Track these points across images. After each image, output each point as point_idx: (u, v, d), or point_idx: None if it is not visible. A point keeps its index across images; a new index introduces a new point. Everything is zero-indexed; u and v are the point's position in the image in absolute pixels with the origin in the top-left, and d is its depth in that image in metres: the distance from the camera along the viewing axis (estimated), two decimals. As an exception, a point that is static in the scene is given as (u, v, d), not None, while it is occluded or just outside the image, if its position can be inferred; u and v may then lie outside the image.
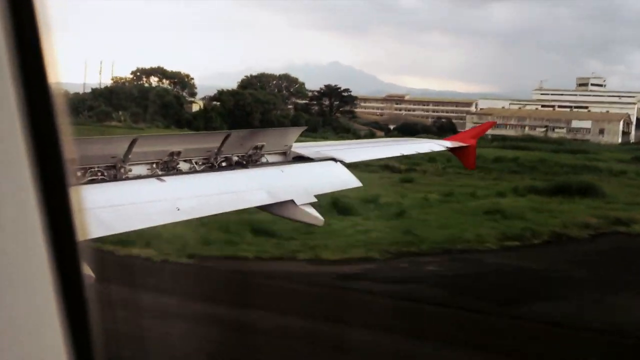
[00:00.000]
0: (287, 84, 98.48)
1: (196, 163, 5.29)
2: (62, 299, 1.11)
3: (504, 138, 75.27)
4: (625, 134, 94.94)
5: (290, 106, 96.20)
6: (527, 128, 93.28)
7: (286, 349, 12.31)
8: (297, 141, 6.56)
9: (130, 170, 4.63)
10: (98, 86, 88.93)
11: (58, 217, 1.10)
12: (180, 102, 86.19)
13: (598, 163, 50.78)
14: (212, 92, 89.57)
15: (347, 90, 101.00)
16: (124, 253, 16.81)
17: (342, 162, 6.53)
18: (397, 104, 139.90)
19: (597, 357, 12.75)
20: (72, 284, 1.13)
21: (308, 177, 6.08)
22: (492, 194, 32.56)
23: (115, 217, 4.01)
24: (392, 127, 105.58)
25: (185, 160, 5.17)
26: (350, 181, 6.42)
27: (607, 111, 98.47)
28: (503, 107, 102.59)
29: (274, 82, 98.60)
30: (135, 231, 4.13)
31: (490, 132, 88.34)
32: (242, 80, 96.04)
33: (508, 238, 21.75)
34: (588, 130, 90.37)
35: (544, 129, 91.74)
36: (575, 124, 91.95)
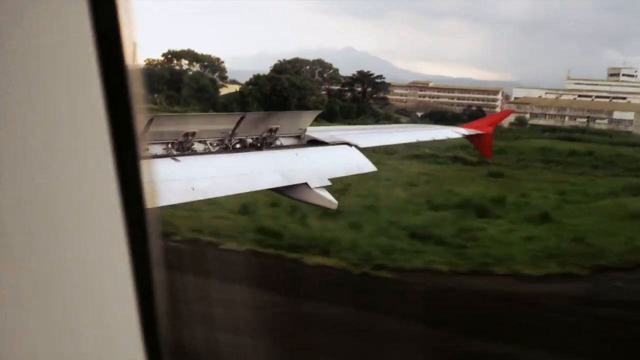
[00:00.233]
0: (321, 69, 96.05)
1: (211, 144, 5.31)
2: (132, 256, 1.24)
3: (553, 129, 73.33)
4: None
5: (323, 92, 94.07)
6: (566, 118, 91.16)
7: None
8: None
9: (146, 150, 4.52)
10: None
11: (130, 187, 1.22)
12: (215, 86, 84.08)
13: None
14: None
15: (380, 76, 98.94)
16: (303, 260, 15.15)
17: (356, 146, 6.47)
18: (421, 90, 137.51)
19: None
20: (141, 246, 1.25)
21: (322, 160, 6.05)
22: (605, 192, 30.77)
23: None
24: (419, 114, 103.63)
25: (199, 141, 5.18)
26: (364, 166, 6.35)
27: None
28: (540, 97, 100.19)
29: (307, 67, 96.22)
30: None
31: (531, 122, 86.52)
32: (275, 65, 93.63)
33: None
34: (630, 121, 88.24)
35: (584, 120, 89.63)
36: (617, 115, 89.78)
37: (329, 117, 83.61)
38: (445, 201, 24.32)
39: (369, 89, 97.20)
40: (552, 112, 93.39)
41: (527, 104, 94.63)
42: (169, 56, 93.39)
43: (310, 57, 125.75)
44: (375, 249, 16.24)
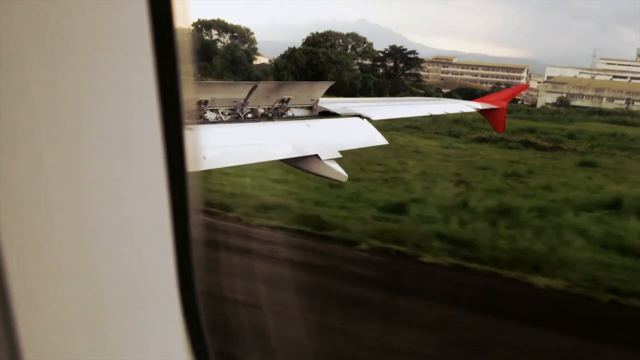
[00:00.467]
0: (355, 43, 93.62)
1: (222, 113, 5.29)
2: (173, 219, 1.26)
3: (600, 111, 71.83)
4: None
5: (356, 67, 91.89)
6: (604, 100, 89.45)
7: None
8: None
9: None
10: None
11: (175, 152, 1.26)
12: (250, 58, 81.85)
13: None
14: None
15: (413, 52, 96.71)
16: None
17: (368, 119, 6.42)
18: (444, 67, 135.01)
19: None
20: (181, 210, 1.28)
21: (334, 132, 6.05)
22: None
23: None
24: (445, 91, 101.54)
25: (211, 110, 5.17)
26: (375, 138, 6.28)
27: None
28: (575, 77, 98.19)
29: (341, 40, 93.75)
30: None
31: (572, 103, 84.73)
32: (308, 38, 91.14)
33: None
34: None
35: (624, 102, 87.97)
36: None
37: (363, 92, 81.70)
38: (586, 200, 22.72)
39: (401, 65, 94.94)
40: (589, 92, 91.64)
41: (564, 83, 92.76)
42: (199, 26, 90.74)
43: (322, 28, 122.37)
44: (590, 264, 14.57)
